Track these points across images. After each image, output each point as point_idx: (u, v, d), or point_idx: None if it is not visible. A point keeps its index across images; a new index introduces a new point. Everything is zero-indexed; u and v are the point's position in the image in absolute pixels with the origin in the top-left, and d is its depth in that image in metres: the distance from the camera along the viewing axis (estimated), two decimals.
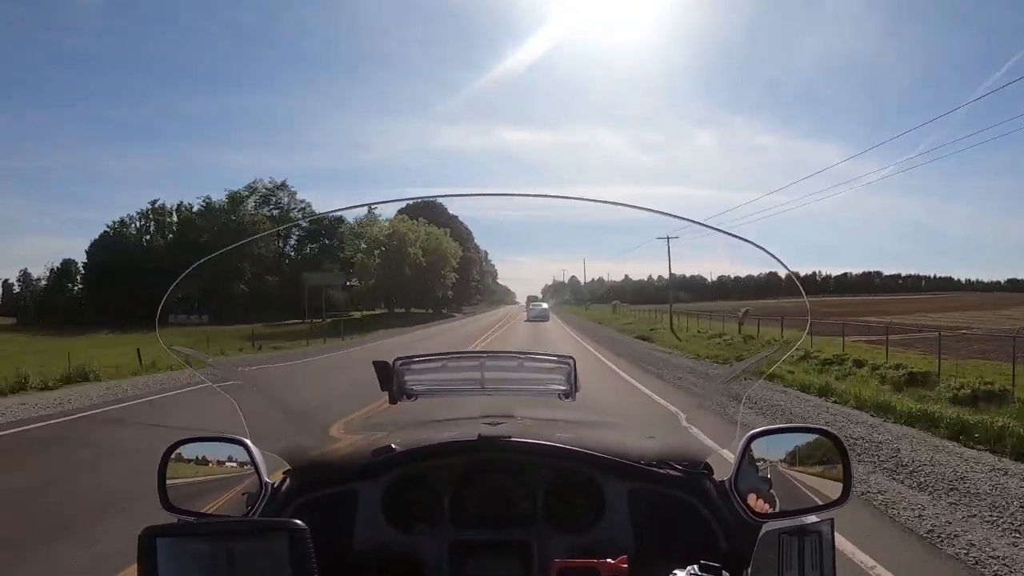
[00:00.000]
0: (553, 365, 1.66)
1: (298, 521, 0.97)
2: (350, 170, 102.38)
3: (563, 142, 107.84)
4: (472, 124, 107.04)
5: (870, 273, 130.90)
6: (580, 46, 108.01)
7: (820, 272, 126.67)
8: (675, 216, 1.52)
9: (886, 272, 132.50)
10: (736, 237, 1.43)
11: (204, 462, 1.34)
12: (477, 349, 1.75)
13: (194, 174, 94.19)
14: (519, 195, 2.04)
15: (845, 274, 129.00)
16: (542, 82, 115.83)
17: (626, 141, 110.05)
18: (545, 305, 36.08)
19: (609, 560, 1.05)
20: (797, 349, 11.98)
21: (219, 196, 60.27)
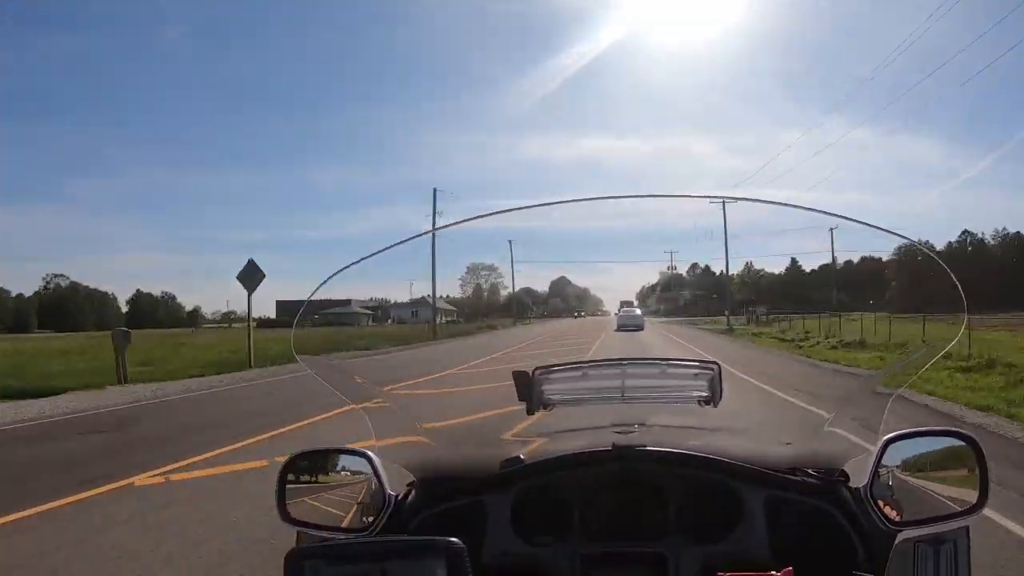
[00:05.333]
0: (697, 371, 1.61)
1: (456, 540, 0.93)
2: (435, 183, 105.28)
3: (651, 148, 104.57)
4: (556, 134, 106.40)
5: None
6: (662, 50, 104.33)
7: None
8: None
9: None
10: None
11: (323, 474, 1.32)
12: (617, 357, 1.65)
13: (281, 191, 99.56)
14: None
15: None
16: (623, 88, 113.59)
17: (715, 146, 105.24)
18: (639, 311, 32.51)
19: (774, 573, 1.04)
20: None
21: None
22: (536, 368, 1.56)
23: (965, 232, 63.12)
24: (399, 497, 1.29)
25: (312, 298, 1.52)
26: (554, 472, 1.33)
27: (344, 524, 1.26)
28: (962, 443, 1.23)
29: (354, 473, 1.29)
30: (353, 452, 1.29)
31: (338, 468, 1.31)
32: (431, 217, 37.03)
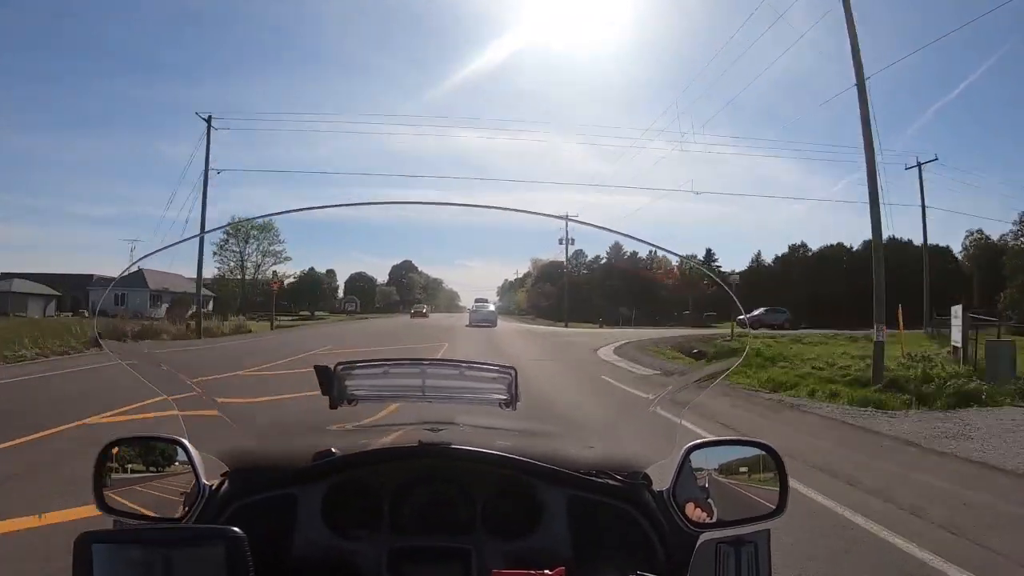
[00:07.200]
0: (495, 375, 1.66)
1: (236, 528, 0.97)
2: (300, 169, 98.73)
3: (522, 149, 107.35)
4: (430, 127, 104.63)
5: None
6: (542, 55, 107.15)
7: None
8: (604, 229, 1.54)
9: None
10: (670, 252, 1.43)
11: (142, 462, 1.32)
12: (419, 357, 1.70)
13: (140, 164, 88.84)
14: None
15: None
16: (502, 89, 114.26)
17: (584, 149, 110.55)
18: (492, 307, 31.24)
19: (547, 572, 1.06)
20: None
21: None
22: (338, 363, 1.59)
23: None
24: (213, 487, 1.30)
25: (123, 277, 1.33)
26: (365, 466, 1.36)
27: (161, 512, 1.27)
28: (763, 452, 1.32)
29: (180, 464, 1.30)
30: (170, 440, 1.30)
31: (160, 456, 1.32)
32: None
